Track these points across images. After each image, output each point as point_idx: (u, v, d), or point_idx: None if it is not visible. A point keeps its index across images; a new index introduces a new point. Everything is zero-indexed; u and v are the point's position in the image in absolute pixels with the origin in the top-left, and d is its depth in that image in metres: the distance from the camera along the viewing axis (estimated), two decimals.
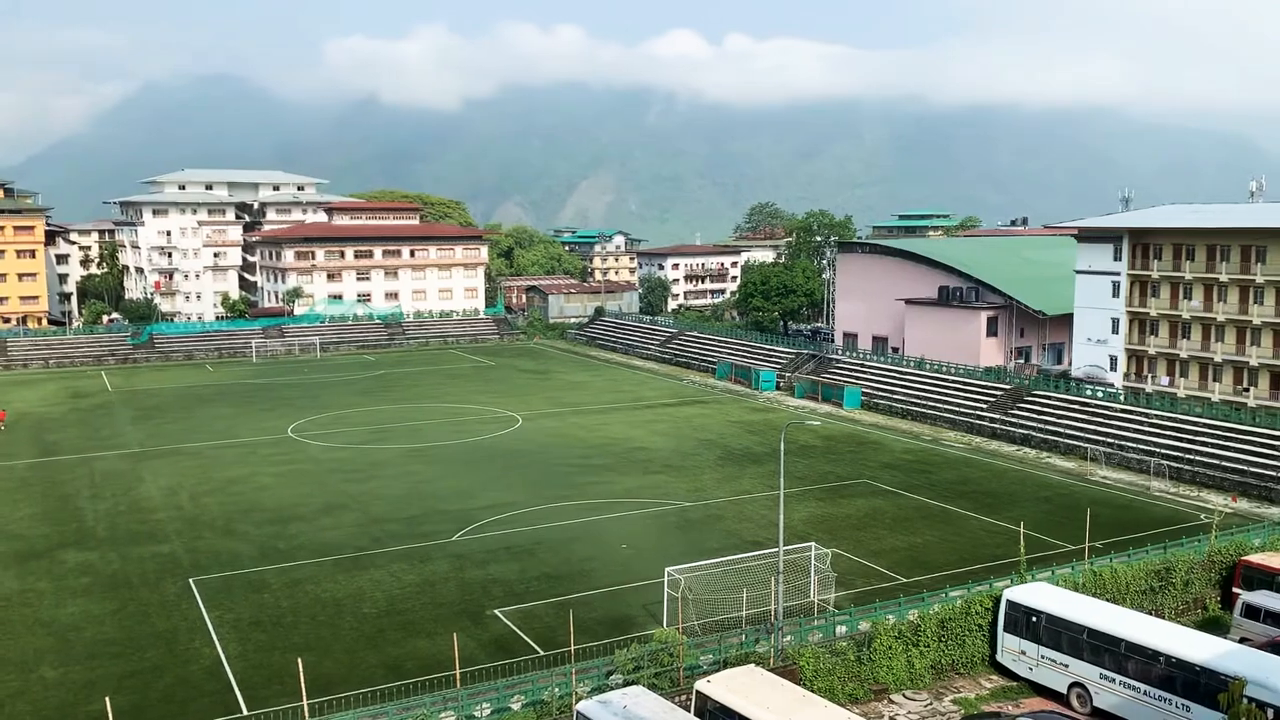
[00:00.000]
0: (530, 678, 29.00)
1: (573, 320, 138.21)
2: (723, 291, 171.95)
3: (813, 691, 27.64)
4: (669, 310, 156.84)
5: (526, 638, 34.95)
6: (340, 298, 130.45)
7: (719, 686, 26.27)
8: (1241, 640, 31.99)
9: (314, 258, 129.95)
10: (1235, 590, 35.91)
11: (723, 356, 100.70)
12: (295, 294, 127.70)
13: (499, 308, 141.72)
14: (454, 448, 66.31)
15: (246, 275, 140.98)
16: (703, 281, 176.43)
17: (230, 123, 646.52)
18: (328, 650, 34.10)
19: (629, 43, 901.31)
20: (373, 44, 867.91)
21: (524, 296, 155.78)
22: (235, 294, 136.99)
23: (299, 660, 28.66)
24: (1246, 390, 68.69)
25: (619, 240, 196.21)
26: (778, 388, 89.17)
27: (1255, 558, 36.90)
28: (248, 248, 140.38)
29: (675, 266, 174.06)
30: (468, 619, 36.70)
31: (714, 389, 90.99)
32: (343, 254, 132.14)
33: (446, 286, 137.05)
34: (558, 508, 51.26)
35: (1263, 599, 33.95)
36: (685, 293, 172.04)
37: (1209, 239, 71.92)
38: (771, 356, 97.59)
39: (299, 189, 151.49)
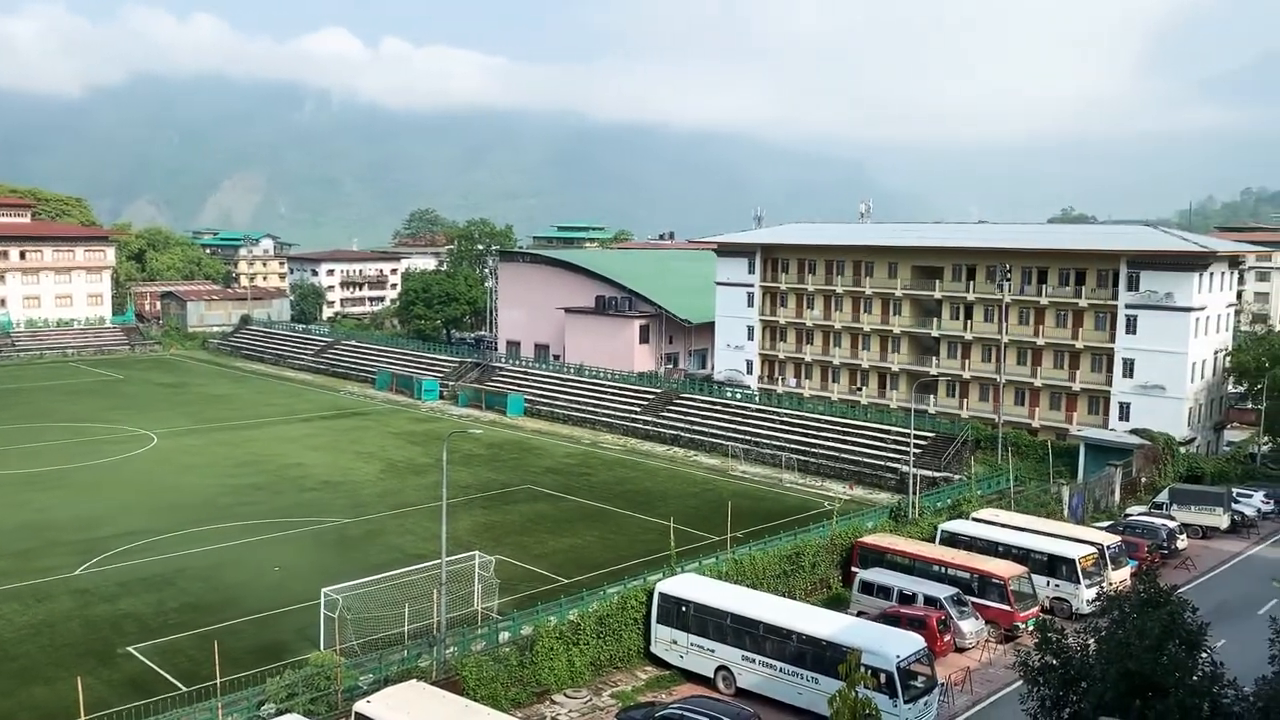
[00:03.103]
0: (170, 716, 26.79)
1: (215, 329, 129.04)
2: (383, 299, 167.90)
3: (476, 700, 27.69)
4: (324, 318, 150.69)
5: (167, 674, 32.24)
6: None
7: (379, 705, 25.63)
8: (859, 614, 35.90)
9: None
10: (853, 569, 40.21)
11: (383, 366, 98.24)
12: None
13: (129, 316, 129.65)
14: (77, 471, 59.73)
15: None
16: (361, 289, 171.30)
17: None
18: None
19: (278, 38, 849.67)
20: None
21: (158, 304, 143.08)
22: None
23: None
24: (859, 390, 77.20)
25: (267, 244, 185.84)
26: (441, 397, 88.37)
27: (868, 539, 41.65)
28: None
29: (331, 273, 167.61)
30: (95, 659, 33.28)
31: (374, 400, 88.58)
32: None
33: (65, 292, 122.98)
34: (201, 532, 47.66)
35: (875, 575, 38.29)
36: (342, 300, 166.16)
37: (827, 255, 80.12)
38: (434, 365, 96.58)
39: None
